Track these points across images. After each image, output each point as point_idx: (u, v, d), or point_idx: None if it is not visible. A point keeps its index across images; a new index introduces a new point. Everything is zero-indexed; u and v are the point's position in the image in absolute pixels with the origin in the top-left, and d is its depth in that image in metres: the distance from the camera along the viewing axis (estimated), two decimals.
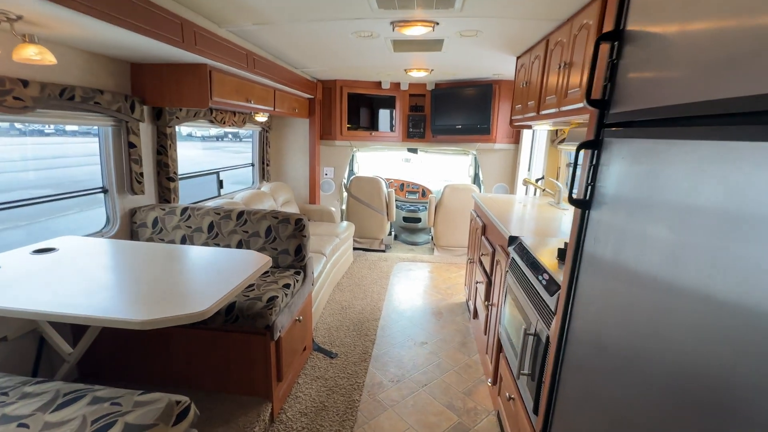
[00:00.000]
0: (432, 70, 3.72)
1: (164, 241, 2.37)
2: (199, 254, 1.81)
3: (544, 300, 1.35)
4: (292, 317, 2.11)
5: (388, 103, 4.65)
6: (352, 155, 5.63)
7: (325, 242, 3.55)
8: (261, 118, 3.49)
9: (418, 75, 3.82)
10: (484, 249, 2.57)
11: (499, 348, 2.04)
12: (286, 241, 2.29)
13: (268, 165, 4.22)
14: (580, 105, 1.74)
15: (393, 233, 5.04)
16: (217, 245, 2.32)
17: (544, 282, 1.38)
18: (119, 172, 2.26)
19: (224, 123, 3.19)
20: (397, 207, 5.47)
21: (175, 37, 1.84)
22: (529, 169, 4.13)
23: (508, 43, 2.64)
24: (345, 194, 5.07)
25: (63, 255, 1.68)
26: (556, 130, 3.01)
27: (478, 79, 4.18)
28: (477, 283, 2.62)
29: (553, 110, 2.13)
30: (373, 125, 4.75)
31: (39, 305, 1.21)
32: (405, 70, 3.75)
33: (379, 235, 4.90)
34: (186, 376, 1.93)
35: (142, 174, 2.33)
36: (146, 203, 2.48)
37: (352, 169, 5.78)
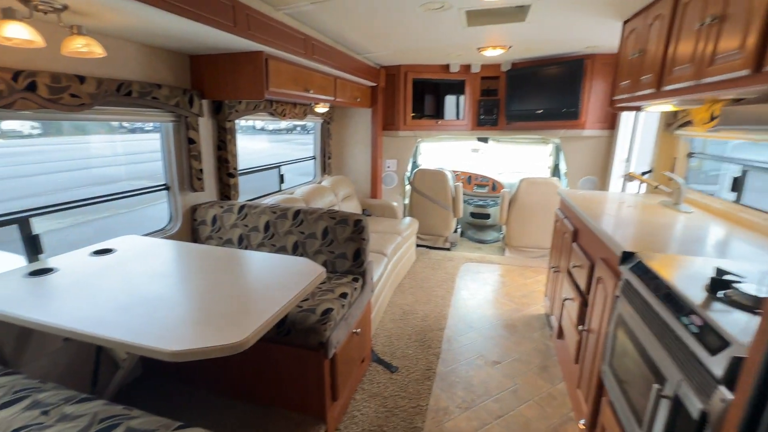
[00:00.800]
0: (510, 47, 3.23)
1: (222, 239, 2.30)
2: (250, 260, 1.66)
3: (695, 355, 0.94)
4: (349, 330, 1.90)
5: (457, 88, 4.23)
6: (416, 146, 5.31)
7: (386, 240, 3.30)
8: (321, 109, 3.32)
9: (492, 54, 3.36)
10: (576, 259, 2.12)
11: (600, 388, 1.62)
12: (344, 244, 2.07)
13: (329, 158, 4.08)
14: (742, 73, 1.23)
15: (459, 230, 4.66)
16: (273, 246, 2.19)
17: (694, 329, 0.97)
18: (180, 169, 2.21)
19: (284, 115, 3.06)
20: (464, 202, 5.05)
21: (227, 21, 1.68)
22: (627, 160, 3.46)
23: (614, 2, 2.11)
24: (408, 188, 4.79)
25: (118, 258, 1.63)
26: (676, 112, 2.39)
27: (564, 55, 3.58)
28: (566, 299, 2.18)
29: (685, 84, 1.60)
30: (438, 113, 4.37)
31: (74, 320, 1.11)
32: (478, 49, 3.31)
33: (444, 232, 4.55)
34: (239, 387, 1.82)
35: (201, 170, 2.26)
36: (207, 200, 2.43)
37: (416, 162, 5.46)
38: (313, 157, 4.08)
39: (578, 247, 2.12)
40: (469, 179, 5.33)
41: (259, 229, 2.21)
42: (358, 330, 2.01)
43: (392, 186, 4.52)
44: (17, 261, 1.68)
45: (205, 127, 2.35)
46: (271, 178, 3.53)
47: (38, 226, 1.65)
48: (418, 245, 4.65)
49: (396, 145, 4.38)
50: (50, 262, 1.58)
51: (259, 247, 2.22)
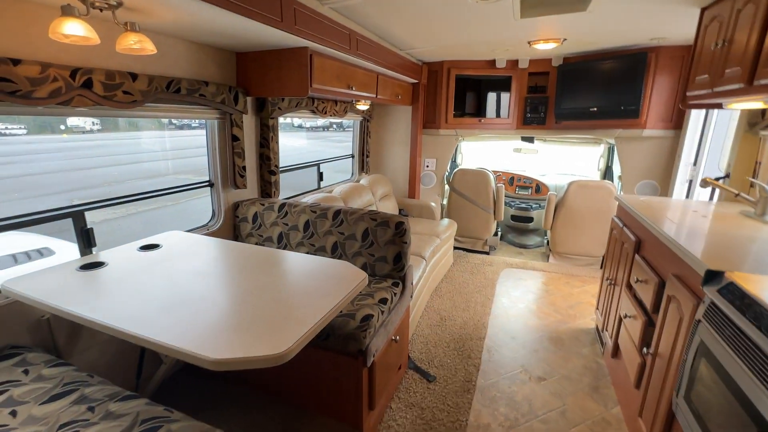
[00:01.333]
0: (564, 39, 3.01)
1: (263, 237, 2.29)
2: (291, 262, 1.62)
3: None
4: (388, 337, 1.82)
5: (502, 84, 4.03)
6: (457, 145, 5.15)
7: (424, 243, 3.20)
8: (362, 106, 3.27)
9: (544, 48, 3.15)
10: (639, 272, 1.91)
11: (671, 421, 1.44)
12: (384, 247, 1.99)
13: (368, 156, 4.02)
14: None
15: (499, 233, 4.47)
16: (312, 246, 2.15)
17: None
18: (224, 166, 2.23)
19: (325, 113, 3.03)
20: (505, 204, 4.84)
21: (274, 16, 1.64)
22: (695, 163, 3.14)
23: None
24: (447, 188, 4.64)
25: (163, 254, 1.65)
26: (765, 110, 2.10)
27: (625, 48, 3.29)
28: (626, 316, 1.98)
29: None
30: (480, 111, 4.19)
31: (121, 319, 1.11)
32: (529, 43, 3.11)
33: (484, 234, 4.37)
34: (276, 388, 1.80)
35: (244, 168, 2.27)
36: (248, 197, 2.44)
37: (456, 161, 5.30)
38: (352, 155, 4.04)
39: (642, 260, 1.91)
40: (511, 180, 5.10)
41: (299, 228, 2.18)
42: (397, 337, 1.93)
43: (431, 186, 4.40)
44: (73, 250, 1.74)
45: (248, 125, 2.35)
46: (309, 175, 3.54)
47: (95, 216, 1.70)
48: (455, 248, 4.51)
49: (436, 144, 4.25)
50: (101, 255, 1.62)
51: (298, 246, 2.19)
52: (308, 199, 2.66)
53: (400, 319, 2.00)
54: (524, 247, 4.79)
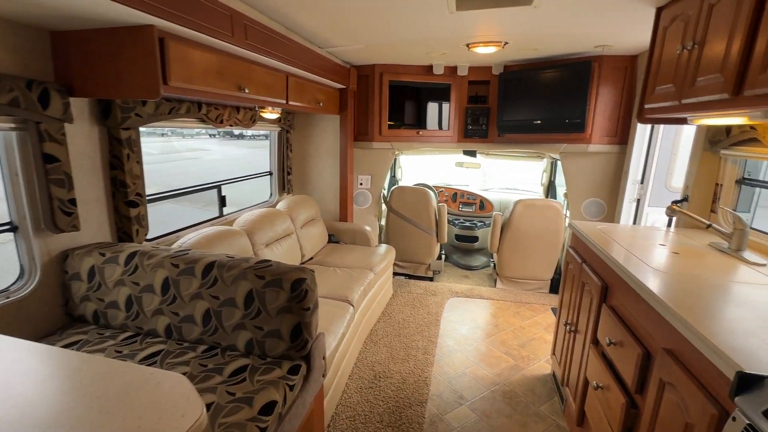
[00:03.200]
0: (506, 43, 2.65)
1: (103, 302, 1.57)
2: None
3: None
4: None
5: (441, 93, 3.63)
6: (394, 160, 4.68)
7: (354, 281, 2.63)
8: (271, 114, 2.64)
9: (485, 52, 2.77)
10: (612, 331, 1.50)
11: None
12: (276, 318, 1.38)
13: (289, 174, 3.39)
14: None
15: (443, 255, 4.05)
16: (175, 315, 1.47)
17: None
18: (33, 200, 1.48)
19: (221, 122, 2.37)
20: (448, 222, 4.45)
21: None
22: (642, 182, 2.92)
23: None
24: (384, 208, 4.14)
25: None
26: (729, 127, 1.83)
27: (569, 56, 3.03)
28: (597, 387, 1.55)
29: None
30: (419, 122, 3.76)
31: None
32: (467, 46, 2.71)
33: (426, 259, 3.91)
34: None
35: (73, 201, 1.54)
36: (89, 241, 1.70)
37: (394, 177, 4.83)
38: (269, 173, 3.38)
39: (614, 314, 1.50)
40: (454, 196, 4.73)
41: (155, 289, 1.49)
42: None
43: (366, 206, 3.86)
44: None
45: (85, 138, 1.63)
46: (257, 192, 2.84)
47: None
48: (395, 274, 4.00)
49: (370, 159, 3.73)
50: None
51: (156, 315, 1.50)
52: (189, 238, 1.96)
53: (305, 414, 1.40)
54: (470, 268, 4.42)
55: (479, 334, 2.92)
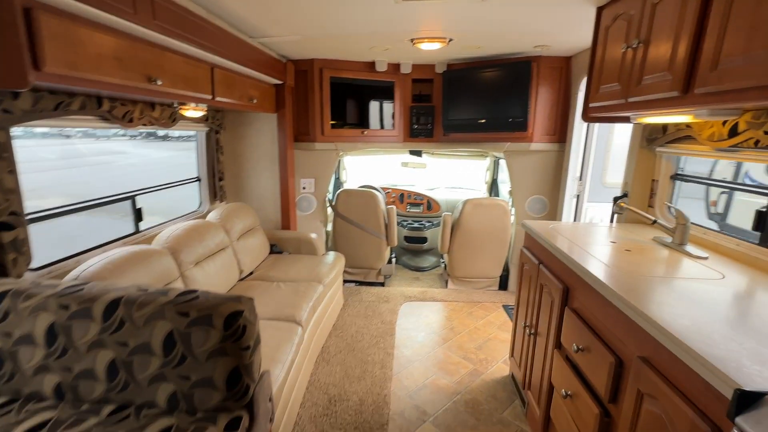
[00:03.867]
0: (451, 39, 2.57)
1: None
2: None
3: None
4: None
5: (385, 92, 3.49)
6: (339, 161, 4.47)
7: (302, 296, 2.38)
8: (193, 112, 2.29)
9: (429, 48, 2.67)
10: (578, 337, 1.46)
11: None
12: (207, 363, 1.11)
13: (221, 179, 3.02)
14: None
15: (393, 260, 3.93)
16: (68, 371, 1.14)
17: None
18: None
19: (131, 121, 1.98)
20: (397, 224, 4.33)
21: None
22: (580, 179, 3.04)
23: None
24: (331, 213, 3.91)
25: None
26: (665, 125, 1.90)
27: (510, 55, 3.05)
28: (565, 395, 1.50)
29: (748, 84, 1.02)
30: (363, 121, 3.58)
31: None
32: (412, 41, 2.60)
33: (377, 264, 3.76)
34: None
35: None
36: None
37: (339, 179, 4.61)
38: (197, 179, 2.98)
39: (578, 319, 1.46)
40: (401, 197, 4.64)
41: (36, 339, 1.14)
42: None
43: (310, 211, 3.60)
44: None
45: None
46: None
47: None
48: (345, 281, 3.80)
49: (312, 161, 3.48)
50: None
51: (38, 374, 1.14)
52: (91, 265, 1.57)
53: None
54: (420, 269, 4.36)
55: (435, 340, 2.83)
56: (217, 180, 2.98)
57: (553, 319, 1.68)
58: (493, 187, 4.56)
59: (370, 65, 3.33)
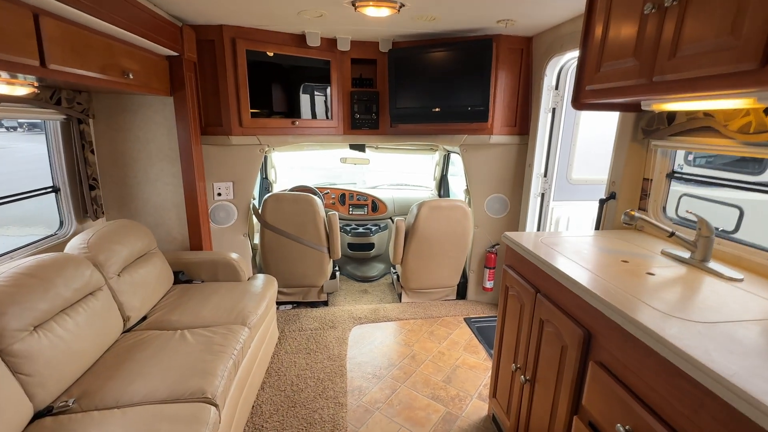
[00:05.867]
0: (402, 5, 2.04)
1: None
2: None
3: None
4: None
5: (319, 73, 2.86)
6: (265, 158, 3.73)
7: (217, 353, 1.71)
8: (10, 88, 1.45)
9: (375, 15, 2.11)
10: (618, 412, 1.04)
11: None
12: None
13: (94, 188, 2.16)
14: None
15: (337, 274, 3.36)
16: None
17: None
18: None
19: None
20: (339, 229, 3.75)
21: None
22: (545, 175, 2.74)
23: None
24: (256, 222, 3.18)
25: None
26: (661, 114, 1.58)
27: (465, 33, 2.61)
28: None
29: None
30: (294, 110, 2.91)
31: None
32: (353, 4, 2.01)
33: (318, 280, 3.15)
34: None
35: None
36: None
37: (267, 179, 3.87)
38: (54, 189, 2.09)
39: (617, 383, 1.04)
40: (342, 198, 4.05)
41: None
42: None
43: (229, 223, 2.85)
44: None
45: None
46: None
47: None
48: (280, 303, 3.15)
49: (229, 159, 2.73)
50: None
51: None
52: None
53: None
54: (368, 280, 3.83)
55: (396, 375, 2.33)
56: (87, 189, 2.12)
57: (567, 372, 1.26)
58: (443, 185, 4.18)
59: (300, 39, 2.67)
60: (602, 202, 1.92)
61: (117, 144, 2.37)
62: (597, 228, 1.97)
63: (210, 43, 2.42)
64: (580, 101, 1.59)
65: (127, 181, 2.42)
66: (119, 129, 2.35)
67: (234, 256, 2.51)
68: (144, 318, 2.03)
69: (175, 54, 2.21)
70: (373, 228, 3.91)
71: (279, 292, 3.13)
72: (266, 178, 3.87)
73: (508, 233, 1.73)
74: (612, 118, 1.93)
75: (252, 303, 2.17)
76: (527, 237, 1.68)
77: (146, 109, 2.35)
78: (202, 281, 2.46)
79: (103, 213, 2.26)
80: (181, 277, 2.42)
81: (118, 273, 1.92)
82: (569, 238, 1.67)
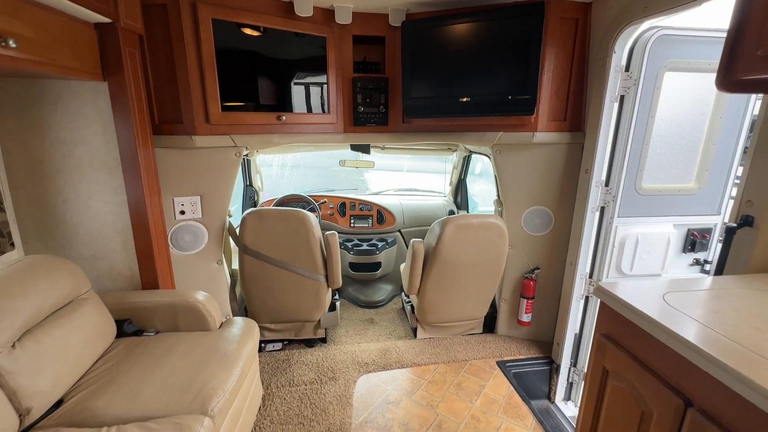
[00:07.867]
0: None
1: None
2: None
3: None
4: None
5: (312, 53, 2.21)
6: (247, 163, 3.09)
7: None
8: None
9: None
10: None
11: None
12: None
13: None
14: None
15: (337, 303, 2.73)
16: None
17: None
18: None
19: None
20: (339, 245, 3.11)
21: None
22: (606, 183, 2.11)
23: None
24: (233, 246, 2.53)
25: None
26: None
27: None
28: None
29: None
30: (283, 102, 2.26)
31: None
32: None
33: (313, 314, 2.52)
34: None
35: None
36: None
37: (251, 186, 3.23)
38: None
39: None
40: (341, 208, 3.41)
41: None
42: None
43: (198, 249, 2.21)
44: None
45: None
46: None
47: None
48: (265, 342, 2.53)
49: (194, 166, 2.08)
50: None
51: None
52: None
53: None
54: (373, 306, 3.21)
55: None
56: None
57: None
58: (460, 191, 3.55)
59: (287, 7, 2.02)
60: (730, 231, 1.31)
61: (32, 148, 1.71)
62: (719, 270, 1.35)
63: (161, 8, 1.77)
64: (735, 76, 0.96)
65: (48, 199, 1.77)
66: (33, 127, 1.69)
67: (200, 297, 1.87)
68: (59, 402, 1.39)
69: (107, 20, 1.56)
70: (380, 244, 3.28)
71: (265, 329, 2.51)
72: (251, 185, 3.23)
73: (603, 284, 1.12)
74: (704, 101, 1.30)
75: (220, 371, 1.54)
76: (636, 291, 1.06)
77: (70, 99, 1.69)
78: (157, 332, 1.82)
79: (12, 245, 1.61)
80: (127, 328, 1.78)
81: (11, 343, 1.28)
82: (705, 294, 1.05)
